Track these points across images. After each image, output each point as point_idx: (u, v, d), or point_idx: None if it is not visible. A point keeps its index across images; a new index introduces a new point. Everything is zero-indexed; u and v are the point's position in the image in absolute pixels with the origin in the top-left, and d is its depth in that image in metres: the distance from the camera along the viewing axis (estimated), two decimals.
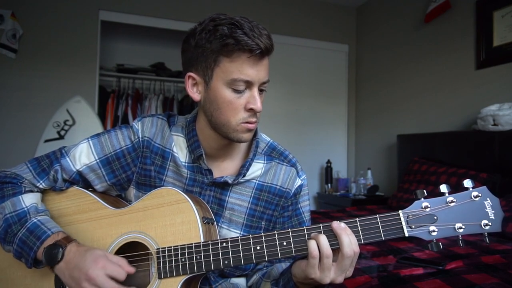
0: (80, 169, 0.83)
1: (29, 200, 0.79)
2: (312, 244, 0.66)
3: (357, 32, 3.80)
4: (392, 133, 3.17)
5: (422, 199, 0.67)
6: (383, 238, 0.67)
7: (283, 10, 3.50)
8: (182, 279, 0.73)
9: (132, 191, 0.87)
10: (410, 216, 0.66)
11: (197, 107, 0.87)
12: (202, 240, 0.73)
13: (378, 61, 3.48)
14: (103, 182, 0.85)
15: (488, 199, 0.65)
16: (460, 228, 0.65)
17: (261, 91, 0.78)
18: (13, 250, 0.75)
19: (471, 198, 0.65)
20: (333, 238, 0.67)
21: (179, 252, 0.73)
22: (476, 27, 2.52)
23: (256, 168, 0.86)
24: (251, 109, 0.76)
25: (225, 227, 0.84)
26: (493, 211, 0.65)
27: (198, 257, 0.72)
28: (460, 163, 2.33)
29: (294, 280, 0.73)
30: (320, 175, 3.68)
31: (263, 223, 0.87)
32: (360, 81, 3.74)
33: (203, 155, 0.82)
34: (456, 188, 0.68)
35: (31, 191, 0.81)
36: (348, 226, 0.68)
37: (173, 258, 0.73)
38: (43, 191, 0.85)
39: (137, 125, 0.86)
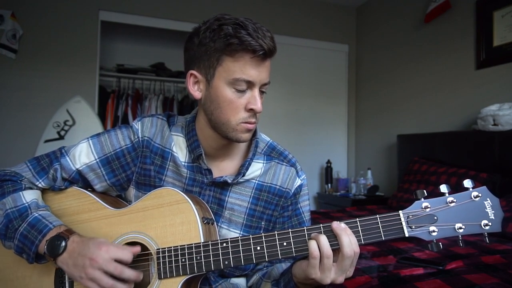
0: (80, 168, 0.83)
1: (29, 196, 0.79)
2: (313, 245, 0.66)
3: (357, 32, 3.80)
4: (392, 133, 3.17)
5: (422, 199, 0.67)
6: (383, 238, 0.67)
7: (283, 10, 3.50)
8: (182, 279, 0.73)
9: (131, 191, 0.87)
10: (410, 216, 0.66)
11: (197, 107, 0.87)
12: (202, 241, 0.73)
13: (378, 61, 3.48)
14: (103, 181, 0.85)
15: (488, 199, 0.65)
16: (460, 228, 0.65)
17: (261, 92, 0.78)
18: (14, 245, 0.75)
19: (471, 198, 0.65)
20: (334, 238, 0.67)
21: (179, 252, 0.73)
22: (476, 27, 2.52)
23: (256, 168, 0.86)
24: (251, 110, 0.76)
25: (224, 227, 0.84)
26: (493, 211, 0.65)
27: (198, 258, 0.72)
28: (460, 163, 2.33)
29: (294, 281, 0.73)
30: (320, 175, 3.68)
31: (263, 223, 0.87)
32: (360, 81, 3.74)
33: (203, 155, 0.82)
34: (456, 188, 0.68)
35: (31, 189, 0.82)
36: (348, 226, 0.67)
37: (173, 259, 0.73)
38: (42, 191, 0.85)
39: (136, 125, 0.86)
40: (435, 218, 0.66)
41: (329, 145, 3.70)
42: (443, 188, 0.66)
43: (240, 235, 0.76)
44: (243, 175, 0.84)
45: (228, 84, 0.75)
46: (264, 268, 0.88)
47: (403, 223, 0.66)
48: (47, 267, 0.79)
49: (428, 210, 0.66)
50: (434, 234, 0.65)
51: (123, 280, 0.70)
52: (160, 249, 0.74)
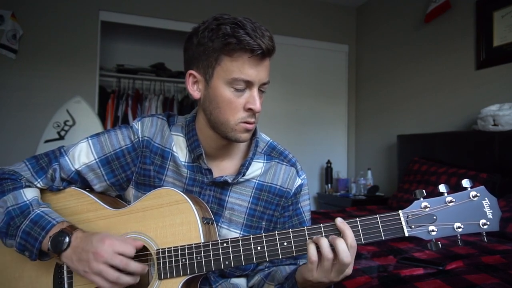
0: (79, 169, 0.83)
1: (30, 193, 0.79)
2: (312, 249, 0.66)
3: (357, 32, 3.80)
4: (392, 133, 3.17)
5: (422, 199, 0.67)
6: (383, 238, 0.67)
7: (283, 10, 3.50)
8: (182, 279, 0.73)
9: (131, 191, 0.87)
10: (410, 216, 0.67)
11: (196, 107, 0.87)
12: (202, 241, 0.73)
13: (378, 61, 3.48)
14: (102, 182, 0.85)
15: (486, 198, 0.66)
16: (459, 227, 0.65)
17: (261, 92, 0.78)
18: (16, 243, 0.74)
19: (470, 197, 0.66)
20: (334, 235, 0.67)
21: (179, 252, 0.73)
22: (476, 27, 2.52)
23: (256, 168, 0.86)
24: (250, 109, 0.76)
25: (225, 227, 0.84)
26: (491, 211, 0.65)
27: (198, 258, 0.72)
28: (460, 163, 2.33)
29: (298, 286, 0.73)
30: (320, 175, 3.67)
31: (263, 223, 0.87)
32: (360, 81, 3.74)
33: (203, 155, 0.82)
34: (457, 188, 0.68)
35: (30, 187, 0.82)
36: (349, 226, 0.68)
37: (173, 259, 0.73)
38: (40, 191, 0.84)
39: (136, 125, 0.86)
40: (434, 217, 0.66)
41: (329, 145, 3.70)
42: (442, 188, 0.66)
43: (241, 235, 0.76)
44: (243, 175, 0.83)
45: (226, 84, 0.75)
46: (266, 269, 0.88)
47: (403, 223, 0.67)
48: (46, 267, 0.79)
49: (427, 209, 0.66)
50: (433, 233, 0.66)
51: (128, 273, 0.70)
52: (160, 250, 0.74)
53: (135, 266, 0.70)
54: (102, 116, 3.36)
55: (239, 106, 0.76)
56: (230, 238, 0.72)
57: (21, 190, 0.78)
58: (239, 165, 0.86)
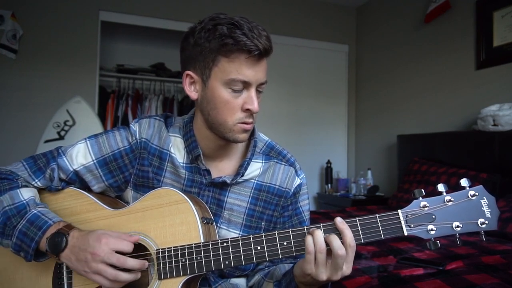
0: (77, 169, 0.83)
1: (27, 193, 0.79)
2: (309, 240, 0.66)
3: (357, 32, 3.80)
4: (392, 133, 3.17)
5: (420, 198, 0.67)
6: (382, 238, 0.67)
7: (283, 10, 3.50)
8: (182, 279, 0.73)
9: (129, 193, 0.87)
10: (409, 216, 0.67)
11: (194, 108, 0.87)
12: (202, 241, 0.73)
13: (378, 61, 3.48)
14: (100, 183, 0.85)
15: (484, 197, 0.66)
16: (458, 226, 0.65)
17: (258, 92, 0.78)
18: (12, 243, 0.74)
19: (468, 197, 0.66)
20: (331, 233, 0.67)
21: (179, 252, 0.73)
22: (476, 27, 2.52)
23: (255, 168, 0.85)
24: (247, 110, 0.76)
25: (224, 227, 0.84)
26: (490, 210, 0.65)
27: (198, 258, 0.72)
28: (460, 163, 2.33)
29: (295, 281, 0.73)
30: (320, 175, 3.67)
31: (262, 223, 0.86)
32: (360, 81, 3.74)
33: (201, 155, 0.82)
34: (456, 188, 0.68)
35: (27, 187, 0.81)
36: (348, 226, 0.67)
37: (173, 259, 0.73)
38: (38, 191, 0.84)
39: (134, 126, 0.86)
40: (433, 217, 0.66)
41: (329, 145, 3.70)
42: (441, 187, 0.66)
43: (240, 235, 0.76)
44: (242, 175, 0.83)
45: (224, 85, 0.74)
46: (266, 268, 0.88)
47: (402, 222, 0.67)
48: (45, 268, 0.79)
49: (426, 209, 0.67)
50: (432, 232, 0.66)
51: (127, 270, 0.70)
52: (160, 250, 0.74)
53: (132, 262, 0.70)
54: (102, 116, 3.36)
55: (236, 107, 0.75)
56: (230, 238, 0.72)
57: (18, 190, 0.78)
58: (237, 166, 0.86)
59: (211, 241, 0.72)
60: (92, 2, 2.94)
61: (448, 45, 2.74)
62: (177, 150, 0.85)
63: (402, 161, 2.87)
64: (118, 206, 0.83)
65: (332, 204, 3.30)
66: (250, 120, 0.77)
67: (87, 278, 0.71)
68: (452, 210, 0.66)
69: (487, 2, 2.44)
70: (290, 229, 0.70)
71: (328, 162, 3.50)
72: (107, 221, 0.79)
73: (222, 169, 0.86)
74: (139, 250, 0.78)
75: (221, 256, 0.71)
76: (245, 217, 0.85)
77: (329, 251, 0.66)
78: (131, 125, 0.86)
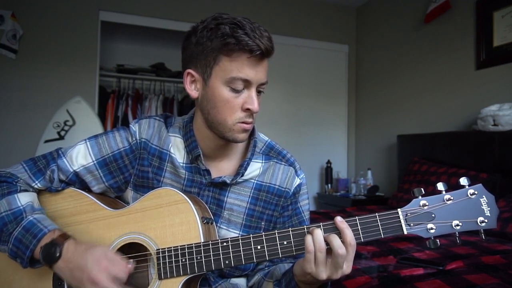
0: (77, 170, 0.82)
1: (24, 199, 0.78)
2: (308, 239, 0.66)
3: (357, 32, 3.80)
4: (392, 133, 3.17)
5: (420, 197, 0.68)
6: (382, 236, 0.67)
7: (283, 10, 3.51)
8: (182, 279, 0.73)
9: (129, 193, 0.87)
10: (408, 214, 0.67)
11: (194, 108, 0.87)
12: (202, 240, 0.73)
13: (378, 61, 3.48)
14: (100, 183, 0.85)
15: (483, 196, 0.66)
16: (457, 225, 0.66)
17: (258, 92, 0.78)
18: (8, 249, 0.74)
19: (468, 195, 0.66)
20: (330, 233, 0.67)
21: (179, 252, 0.73)
22: (476, 27, 2.52)
23: (254, 168, 0.85)
24: (248, 109, 0.76)
25: (224, 227, 0.84)
26: (489, 208, 0.65)
27: (198, 257, 0.72)
28: (460, 163, 2.32)
29: (295, 280, 0.73)
30: (320, 175, 3.67)
31: (262, 223, 0.86)
32: (360, 81, 3.74)
33: (201, 155, 0.82)
34: (456, 188, 0.68)
35: (26, 191, 0.81)
36: (348, 225, 0.67)
37: (173, 259, 0.73)
38: (38, 192, 0.84)
39: (134, 127, 0.85)
40: (433, 215, 0.66)
41: (329, 145, 3.70)
42: (440, 186, 0.67)
43: (240, 235, 0.76)
44: (242, 175, 0.83)
45: (225, 84, 0.74)
46: (266, 268, 0.88)
47: (402, 221, 0.67)
48: (45, 270, 0.79)
49: (426, 208, 0.67)
50: (432, 231, 0.66)
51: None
52: (160, 250, 0.74)
53: None
54: (102, 116, 3.36)
55: (237, 106, 0.75)
56: (230, 238, 0.72)
57: (15, 195, 0.78)
58: (237, 166, 0.86)
59: (211, 241, 0.72)
60: (92, 2, 2.94)
61: (448, 45, 2.74)
62: (177, 150, 0.85)
63: (402, 161, 2.87)
64: (118, 206, 0.83)
65: (332, 204, 3.30)
66: (250, 120, 0.77)
67: None
68: (451, 209, 0.66)
69: (487, 2, 2.44)
70: (290, 229, 0.70)
71: (328, 162, 3.50)
72: (107, 221, 0.79)
73: (222, 169, 0.86)
74: (139, 250, 0.78)
75: (221, 256, 0.71)
76: (245, 217, 0.85)
77: (329, 250, 0.66)
78: (131, 125, 0.86)
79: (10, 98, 2.71)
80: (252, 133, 0.87)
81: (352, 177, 3.62)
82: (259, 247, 0.70)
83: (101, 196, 0.86)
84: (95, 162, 0.83)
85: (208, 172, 0.83)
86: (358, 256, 1.45)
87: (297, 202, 0.89)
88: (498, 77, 2.37)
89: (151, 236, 0.76)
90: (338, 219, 0.67)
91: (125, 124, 3.41)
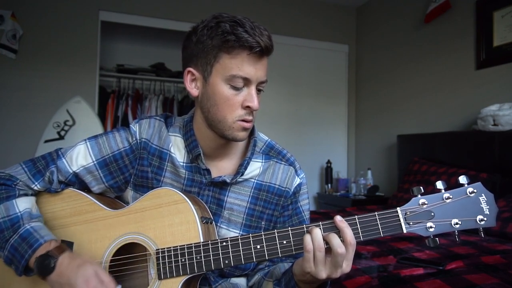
0: (77, 171, 0.82)
1: (23, 204, 0.78)
2: (307, 238, 0.66)
3: (357, 32, 3.80)
4: (392, 133, 3.17)
5: (419, 195, 0.67)
6: (381, 235, 0.67)
7: (283, 10, 3.51)
8: (182, 279, 0.73)
9: (129, 193, 0.87)
10: (408, 213, 0.67)
11: (194, 107, 0.87)
12: (202, 240, 0.73)
13: (378, 61, 3.48)
14: (100, 184, 0.84)
15: (483, 194, 0.66)
16: (457, 223, 0.65)
17: (258, 91, 0.78)
18: (4, 256, 0.74)
19: (467, 194, 0.66)
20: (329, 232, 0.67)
21: (179, 252, 0.73)
22: (476, 27, 2.51)
23: (254, 167, 0.85)
24: (248, 107, 0.76)
25: (224, 227, 0.84)
26: (488, 207, 0.65)
27: (198, 257, 0.72)
28: (460, 163, 2.32)
29: (295, 279, 0.73)
30: (320, 175, 3.67)
31: (262, 223, 0.86)
32: (360, 81, 3.74)
33: (201, 155, 0.82)
34: (456, 188, 0.68)
35: (26, 195, 0.80)
36: (348, 224, 0.67)
37: (173, 259, 0.73)
38: (37, 193, 0.84)
39: (134, 127, 0.85)
40: (432, 214, 0.66)
41: (329, 145, 3.70)
42: (439, 184, 0.67)
43: (240, 235, 0.75)
44: (242, 175, 0.83)
45: (225, 81, 0.75)
46: (266, 268, 0.88)
47: (401, 220, 0.67)
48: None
49: (425, 206, 0.67)
50: (431, 230, 0.66)
51: None
52: (160, 250, 0.74)
53: None
54: (102, 116, 3.36)
55: (237, 104, 0.76)
56: (230, 237, 0.72)
57: (14, 200, 0.77)
58: (237, 165, 0.86)
59: (211, 241, 0.72)
60: (92, 2, 2.94)
61: (448, 45, 2.74)
62: (177, 149, 0.85)
63: (402, 161, 2.86)
64: (117, 207, 0.83)
65: (332, 204, 3.30)
66: (250, 118, 0.78)
67: None
68: (450, 207, 0.66)
69: (487, 2, 2.44)
70: (289, 228, 0.70)
71: (328, 162, 3.50)
72: (107, 222, 0.79)
73: (222, 168, 0.86)
74: (139, 250, 0.78)
75: (220, 256, 0.71)
76: (245, 216, 0.85)
77: (328, 249, 0.66)
78: (131, 125, 0.86)
79: (10, 98, 2.71)
80: (252, 133, 0.87)
81: (352, 177, 3.62)
82: (258, 246, 0.70)
83: (101, 196, 0.86)
84: (95, 162, 0.83)
85: (208, 171, 0.83)
86: (358, 256, 1.45)
87: (297, 201, 0.89)
88: (498, 77, 2.37)
89: (150, 236, 0.75)
90: (338, 218, 0.67)
91: (125, 124, 3.42)
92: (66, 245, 0.78)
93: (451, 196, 0.66)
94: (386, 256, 1.44)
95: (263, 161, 0.87)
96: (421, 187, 0.67)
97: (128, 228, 0.77)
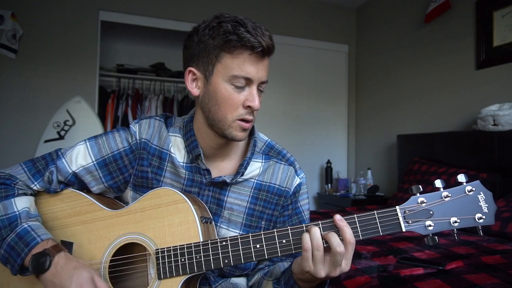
0: (76, 171, 0.82)
1: (21, 203, 0.78)
2: (306, 237, 0.66)
3: (357, 32, 3.80)
4: (392, 133, 3.17)
5: (418, 194, 0.68)
6: (381, 234, 0.67)
7: (283, 10, 3.51)
8: (182, 279, 0.73)
9: (129, 193, 0.87)
10: (407, 212, 0.67)
11: (194, 107, 0.87)
12: (201, 240, 0.73)
13: (378, 61, 3.48)
14: (100, 184, 0.84)
15: (481, 193, 0.66)
16: (455, 222, 0.66)
17: (259, 91, 0.79)
18: (0, 254, 0.74)
19: (465, 192, 0.66)
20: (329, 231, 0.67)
21: (179, 252, 0.73)
22: (476, 27, 2.51)
23: (254, 167, 0.85)
24: (248, 107, 0.76)
25: (224, 227, 0.84)
26: (487, 205, 0.65)
27: (198, 257, 0.72)
28: (460, 163, 2.32)
29: (294, 278, 0.73)
30: (320, 175, 3.67)
31: (262, 222, 0.86)
32: (360, 81, 3.74)
33: (201, 155, 0.82)
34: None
35: (25, 194, 0.81)
36: (347, 223, 0.67)
37: (172, 259, 0.73)
38: (37, 194, 0.84)
39: (134, 127, 0.86)
40: (431, 212, 0.66)
41: (329, 145, 3.70)
42: (438, 183, 0.67)
43: (239, 234, 0.75)
44: (242, 175, 0.83)
45: (226, 81, 0.75)
46: (266, 267, 0.88)
47: (400, 218, 0.67)
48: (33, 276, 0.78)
49: (424, 205, 0.67)
50: (430, 228, 0.66)
51: None
52: (159, 249, 0.74)
53: None
54: (102, 116, 3.37)
55: (238, 103, 0.76)
56: (229, 237, 0.72)
57: (12, 199, 0.77)
58: (237, 165, 0.86)
59: (210, 240, 0.72)
60: (92, 2, 2.95)
61: (448, 45, 2.74)
62: (177, 150, 0.85)
63: (402, 161, 2.86)
64: (117, 207, 0.83)
65: (332, 204, 3.30)
66: (251, 117, 0.78)
67: None
68: (449, 206, 0.66)
69: (487, 2, 2.44)
70: (289, 227, 0.70)
71: (328, 162, 3.50)
72: (106, 222, 0.79)
73: (222, 168, 0.86)
74: (138, 250, 0.78)
75: (220, 255, 0.71)
76: (245, 216, 0.85)
77: (327, 248, 0.66)
78: (131, 125, 0.86)
79: (10, 98, 2.71)
80: (252, 133, 0.88)
81: (352, 177, 3.62)
82: (258, 246, 0.70)
83: (100, 196, 0.86)
84: (94, 162, 0.83)
85: (208, 171, 0.83)
86: (358, 256, 1.44)
87: (297, 201, 0.89)
88: (498, 77, 2.37)
89: (150, 236, 0.75)
90: (337, 217, 0.67)
91: (125, 124, 3.42)
92: (66, 246, 0.78)
93: (449, 195, 0.66)
94: (386, 256, 1.44)
95: (263, 161, 0.87)
96: (420, 186, 0.67)
97: (128, 228, 0.77)
